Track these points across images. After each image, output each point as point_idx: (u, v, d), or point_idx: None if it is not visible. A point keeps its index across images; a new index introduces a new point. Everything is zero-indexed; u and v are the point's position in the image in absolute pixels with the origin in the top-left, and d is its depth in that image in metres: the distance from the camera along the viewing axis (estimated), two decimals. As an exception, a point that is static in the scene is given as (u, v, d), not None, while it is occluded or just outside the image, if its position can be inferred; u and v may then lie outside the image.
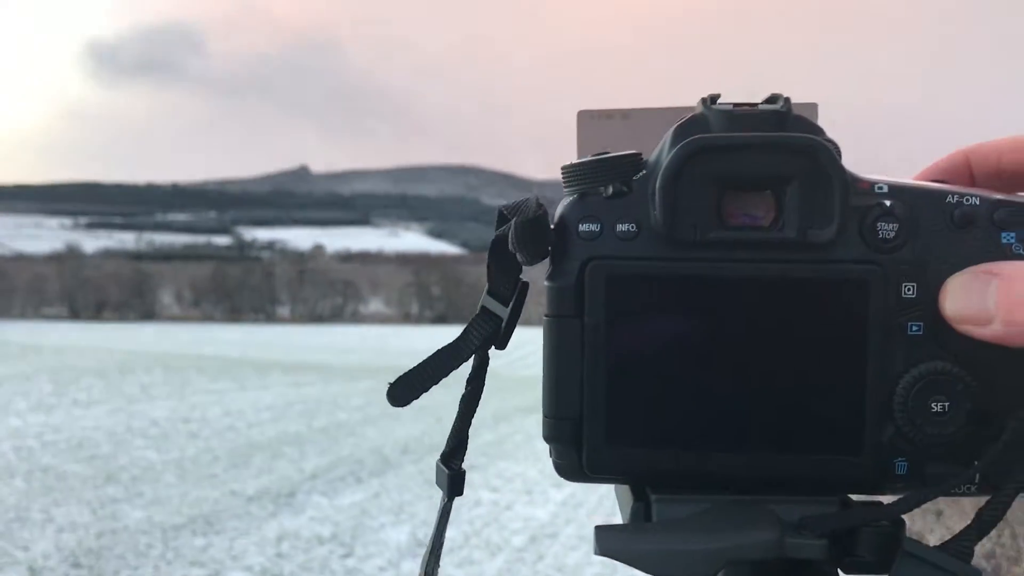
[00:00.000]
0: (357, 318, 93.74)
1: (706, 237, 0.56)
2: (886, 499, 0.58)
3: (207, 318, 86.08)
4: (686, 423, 0.56)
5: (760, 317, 0.56)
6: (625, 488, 0.61)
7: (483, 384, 0.63)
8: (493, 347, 0.62)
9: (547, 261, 0.59)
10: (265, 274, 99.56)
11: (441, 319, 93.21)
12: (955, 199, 0.57)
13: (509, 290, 0.61)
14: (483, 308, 0.61)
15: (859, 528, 0.55)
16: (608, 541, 0.56)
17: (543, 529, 6.97)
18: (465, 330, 0.61)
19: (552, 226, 0.58)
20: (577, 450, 0.57)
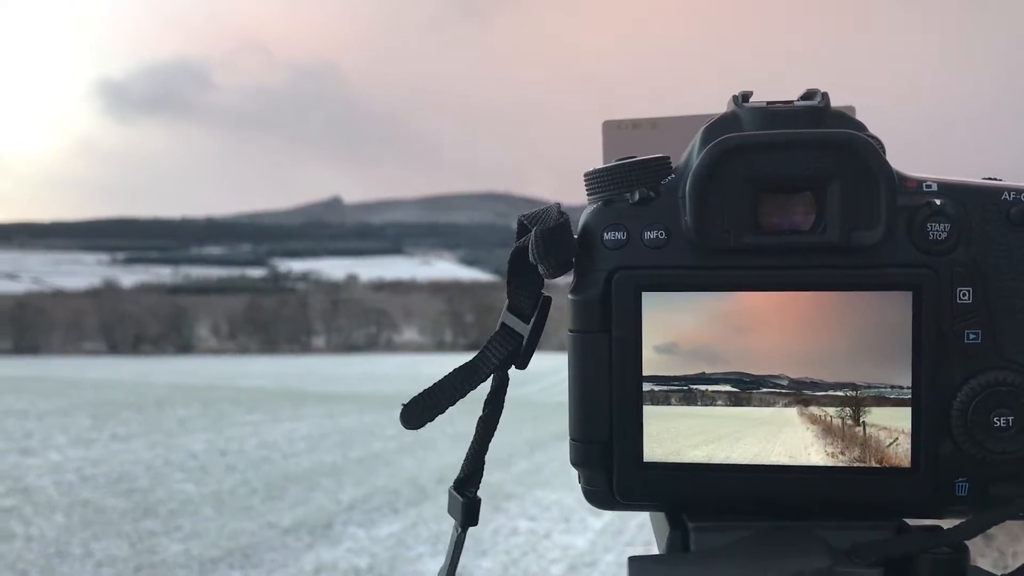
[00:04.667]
0: (391, 347, 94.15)
1: (741, 243, 0.52)
2: (946, 524, 0.53)
3: (243, 350, 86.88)
4: (724, 443, 0.53)
5: (802, 328, 0.52)
6: (660, 516, 0.58)
7: (502, 407, 0.61)
8: (513, 367, 0.59)
9: (570, 274, 0.56)
10: (300, 305, 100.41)
11: (474, 346, 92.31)
12: (1011, 196, 0.53)
13: (530, 306, 0.58)
14: (503, 325, 0.58)
15: (917, 555, 0.51)
16: (643, 573, 0.54)
17: (582, 558, 6.88)
18: (483, 349, 0.58)
19: (575, 236, 0.55)
20: (607, 475, 0.54)
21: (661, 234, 0.53)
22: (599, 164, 0.56)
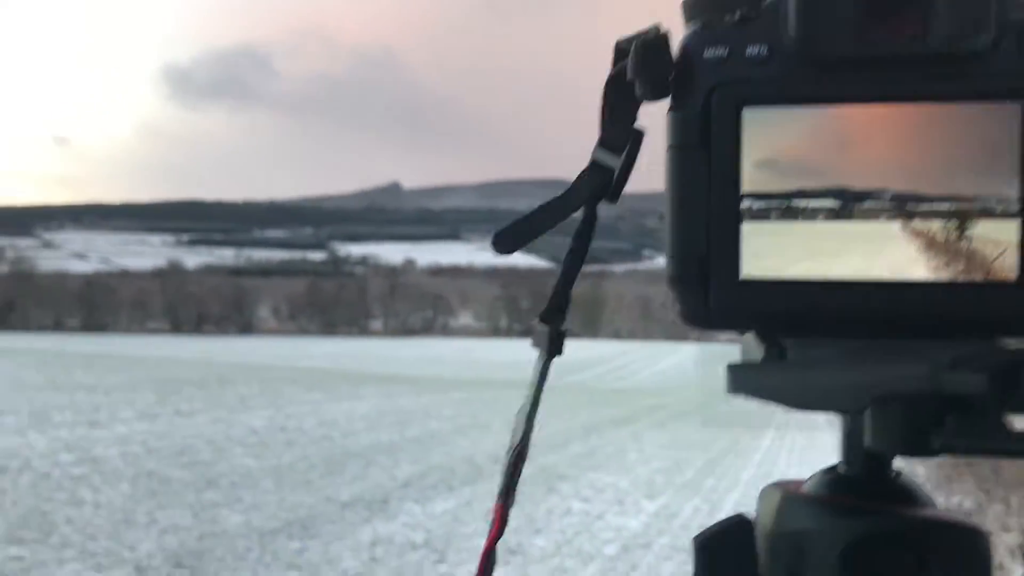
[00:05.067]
0: (447, 331, 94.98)
1: (845, 54, 0.51)
2: None
3: (302, 331, 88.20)
4: (824, 259, 0.51)
5: (906, 141, 0.50)
6: (753, 339, 0.56)
7: (590, 241, 0.60)
8: (604, 201, 0.58)
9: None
10: (358, 288, 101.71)
11: (530, 332, 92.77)
12: None
13: (623, 138, 0.56)
14: (593, 162, 0.57)
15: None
16: (741, 378, 0.53)
17: (635, 539, 6.87)
18: (574, 182, 0.58)
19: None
20: (703, 292, 0.52)
21: (763, 49, 0.51)
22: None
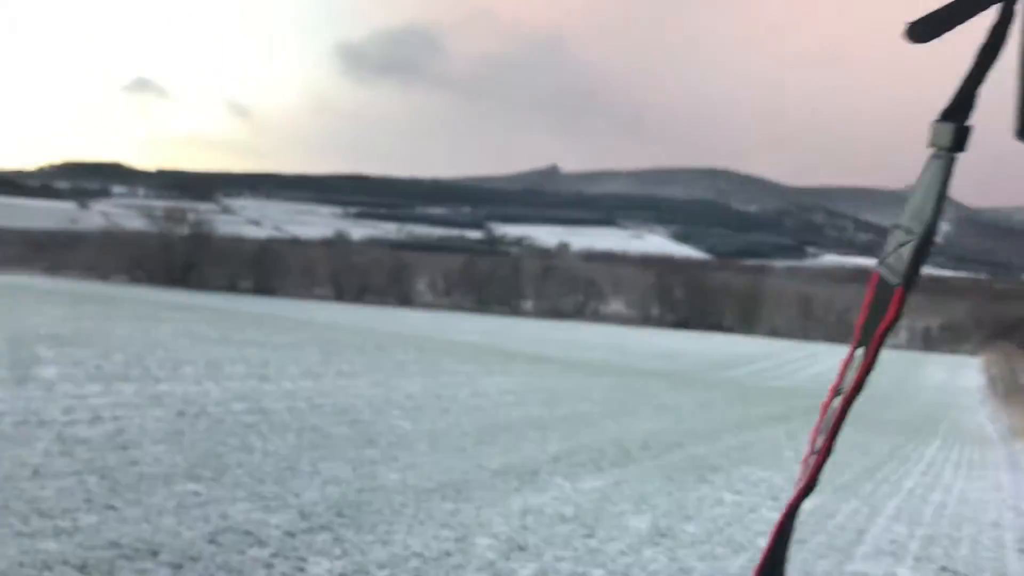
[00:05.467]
0: (597, 316, 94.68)
1: None
2: None
3: (456, 307, 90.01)
4: None
5: None
6: None
7: (1004, 40, 0.56)
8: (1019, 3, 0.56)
9: None
10: (512, 268, 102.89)
11: (682, 324, 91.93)
12: None
13: None
14: None
15: None
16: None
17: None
18: None
19: None
20: None
21: None
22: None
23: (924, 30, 0.55)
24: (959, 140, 0.56)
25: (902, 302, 0.57)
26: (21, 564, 4.31)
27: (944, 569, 6.07)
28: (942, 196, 0.56)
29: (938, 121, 0.56)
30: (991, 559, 6.72)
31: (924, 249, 0.56)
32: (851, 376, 0.61)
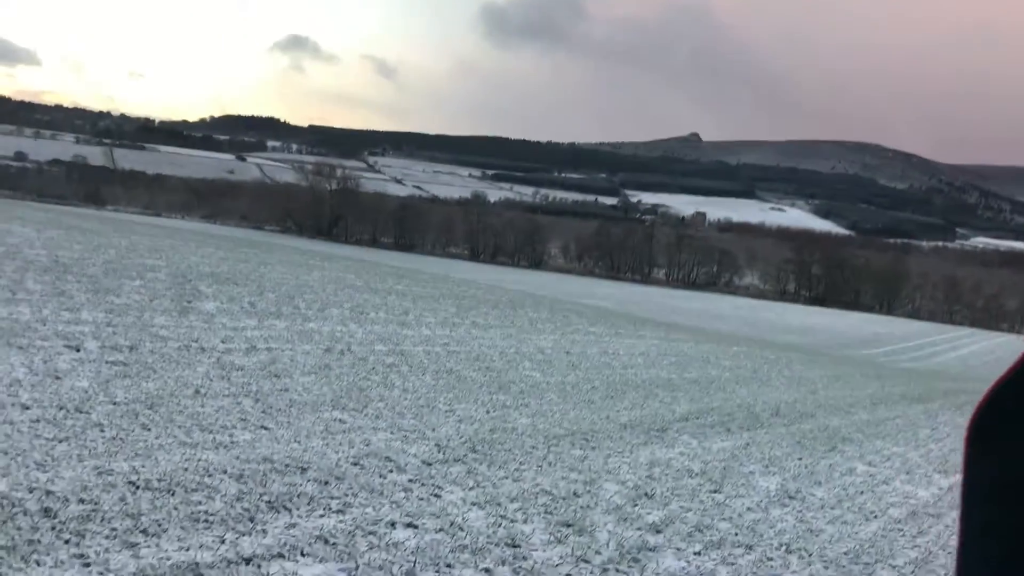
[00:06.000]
0: (731, 288, 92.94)
1: None
2: None
3: (588, 272, 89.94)
4: None
5: None
6: None
7: None
8: None
9: None
10: (646, 236, 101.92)
11: (818, 301, 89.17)
12: None
13: None
14: None
15: None
16: None
17: (925, 508, 6.52)
18: None
19: None
20: None
21: None
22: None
23: None
24: None
25: None
26: (185, 469, 4.72)
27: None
28: None
29: None
30: None
31: None
32: None
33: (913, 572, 4.91)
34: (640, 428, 7.98)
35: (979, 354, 49.36)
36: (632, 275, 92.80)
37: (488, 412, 7.64)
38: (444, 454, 5.89)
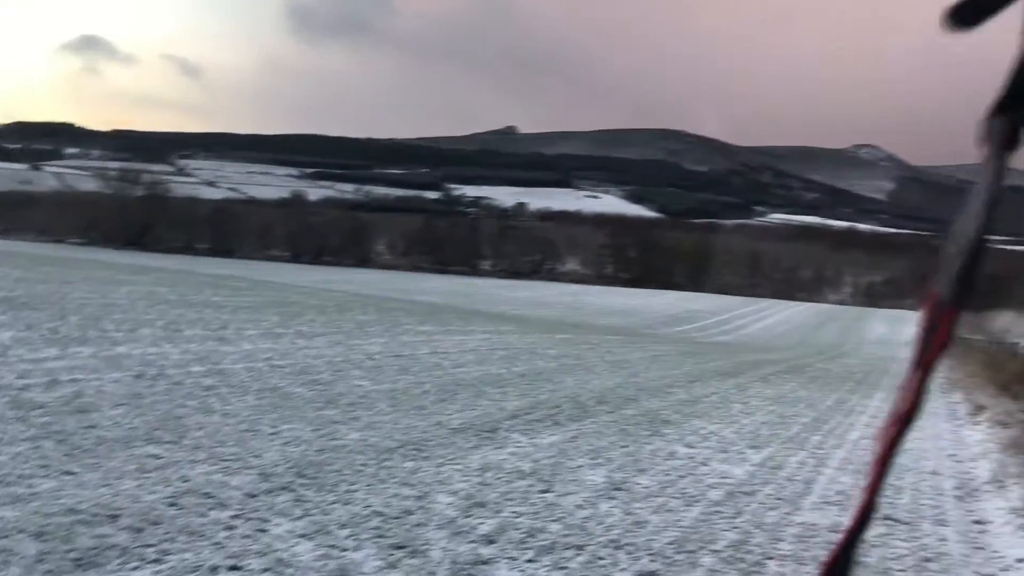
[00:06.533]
0: (554, 275, 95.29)
1: None
2: None
3: (416, 267, 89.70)
4: None
5: None
6: None
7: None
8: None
9: None
10: (470, 229, 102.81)
11: (635, 282, 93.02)
12: None
13: None
14: None
15: None
16: None
17: (740, 487, 6.89)
18: None
19: None
20: None
21: None
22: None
23: (967, 14, 0.46)
24: (1013, 134, 0.47)
25: (952, 324, 0.50)
26: (-21, 529, 4.32)
27: (887, 518, 6.32)
28: (992, 201, 0.47)
29: (986, 117, 0.47)
30: (931, 505, 7.00)
31: (972, 265, 0.48)
32: (905, 398, 0.56)
33: (732, 555, 5.16)
34: (471, 431, 8.01)
35: (781, 323, 52.90)
36: (459, 267, 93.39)
37: (316, 430, 7.44)
38: (269, 483, 5.69)
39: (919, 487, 7.65)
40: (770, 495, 6.72)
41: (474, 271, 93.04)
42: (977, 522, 6.59)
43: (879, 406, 13.71)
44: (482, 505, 5.66)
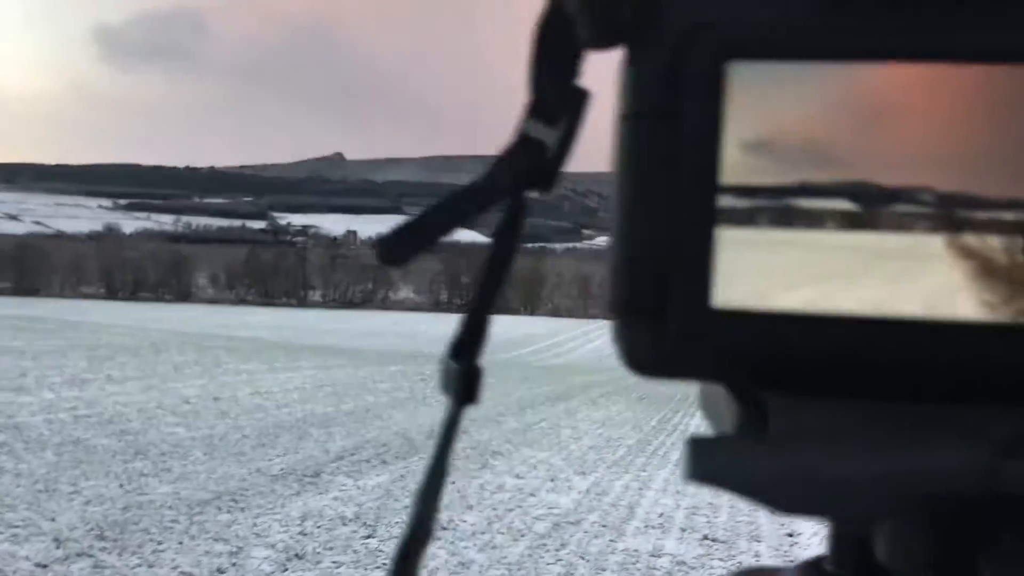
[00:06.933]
0: (387, 304, 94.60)
1: None
2: None
3: (240, 301, 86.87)
4: (833, 285, 0.36)
5: (959, 117, 0.35)
6: (721, 394, 0.41)
7: (518, 241, 0.44)
8: (536, 190, 0.43)
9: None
10: (298, 259, 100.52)
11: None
12: None
13: (559, 103, 0.41)
14: (521, 136, 0.42)
15: None
16: (709, 459, 0.36)
17: (566, 516, 6.94)
18: (495, 164, 0.43)
19: None
20: (658, 325, 0.37)
21: None
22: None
23: (395, 248, 0.42)
24: (470, 387, 0.43)
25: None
26: None
27: (706, 538, 6.53)
28: (444, 457, 0.43)
29: (444, 360, 0.44)
30: (747, 523, 7.30)
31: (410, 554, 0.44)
32: None
33: (557, 588, 5.17)
34: (293, 476, 7.71)
35: (611, 344, 54.54)
36: (287, 299, 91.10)
37: (122, 486, 6.95)
38: (64, 549, 5.23)
39: (737, 505, 7.97)
40: (595, 523, 6.80)
41: (303, 303, 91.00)
42: (789, 535, 6.93)
43: (700, 423, 14.30)
44: (301, 557, 5.43)
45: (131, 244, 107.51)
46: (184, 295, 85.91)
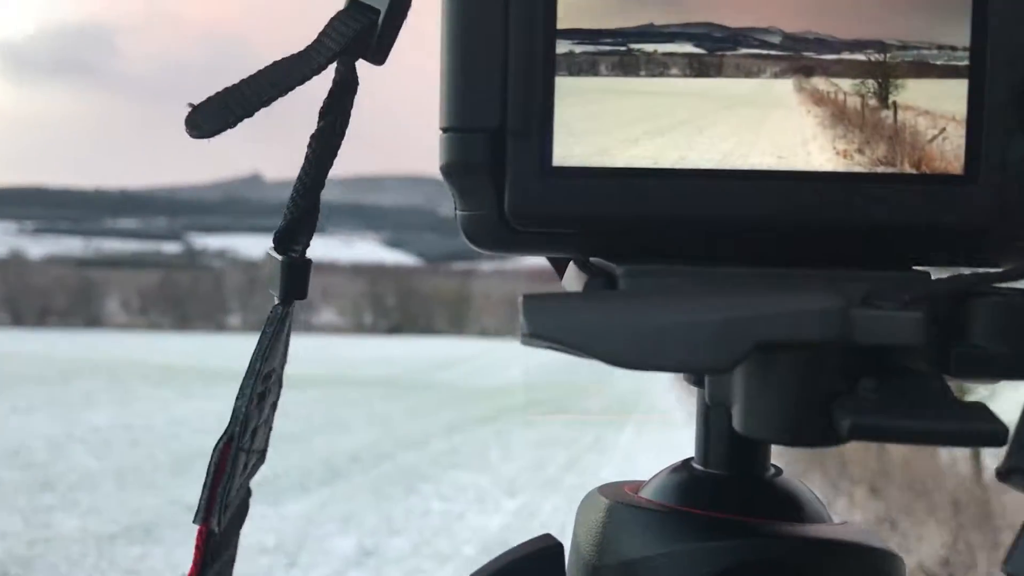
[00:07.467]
0: (309, 328, 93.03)
1: None
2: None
3: (154, 326, 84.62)
4: (679, 137, 0.34)
5: None
6: (572, 269, 0.39)
7: (347, 118, 0.41)
8: (367, 59, 0.40)
9: None
10: (215, 282, 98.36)
11: (396, 330, 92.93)
12: None
13: None
14: (351, 1, 0.38)
15: (972, 299, 0.32)
16: (547, 315, 0.33)
17: (495, 538, 6.84)
18: (323, 29, 0.39)
19: None
20: (495, 190, 0.34)
21: None
22: None
23: (207, 117, 0.38)
24: (295, 279, 0.40)
25: None
26: None
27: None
28: (264, 351, 0.45)
29: (268, 252, 0.41)
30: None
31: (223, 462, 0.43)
32: None
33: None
34: (211, 506, 7.44)
35: (544, 363, 54.83)
36: (204, 324, 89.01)
37: (27, 521, 6.61)
38: (-39, 591, 4.93)
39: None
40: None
41: (221, 327, 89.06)
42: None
43: (631, 439, 14.36)
44: (220, 590, 5.21)
45: (37, 269, 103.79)
46: (94, 321, 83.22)
